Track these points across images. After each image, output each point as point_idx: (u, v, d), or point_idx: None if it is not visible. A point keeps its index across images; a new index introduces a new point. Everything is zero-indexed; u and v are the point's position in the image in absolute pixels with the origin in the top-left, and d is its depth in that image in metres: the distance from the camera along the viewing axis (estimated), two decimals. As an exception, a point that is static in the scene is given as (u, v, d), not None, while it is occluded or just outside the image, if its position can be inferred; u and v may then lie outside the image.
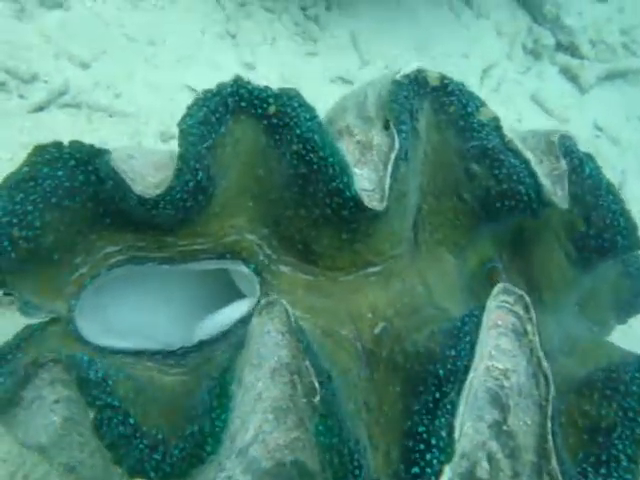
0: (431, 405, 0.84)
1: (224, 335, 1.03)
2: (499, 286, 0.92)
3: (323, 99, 2.00)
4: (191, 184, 0.99)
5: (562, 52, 2.31)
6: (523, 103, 2.25)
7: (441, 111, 1.13)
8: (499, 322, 0.91)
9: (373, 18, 2.20)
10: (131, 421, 0.84)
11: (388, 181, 0.97)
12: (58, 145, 1.04)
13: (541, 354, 0.89)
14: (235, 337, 0.98)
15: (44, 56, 1.67)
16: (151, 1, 1.88)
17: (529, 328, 0.90)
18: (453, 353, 0.87)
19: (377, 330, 0.99)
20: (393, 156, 0.99)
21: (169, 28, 1.87)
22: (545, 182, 1.06)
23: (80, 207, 1.04)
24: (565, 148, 1.17)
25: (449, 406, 0.83)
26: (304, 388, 0.84)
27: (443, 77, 1.15)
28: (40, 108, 1.62)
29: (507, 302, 0.92)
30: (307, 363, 0.83)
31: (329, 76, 2.04)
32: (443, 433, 0.82)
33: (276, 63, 1.99)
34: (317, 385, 0.82)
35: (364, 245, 1.03)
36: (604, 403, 0.98)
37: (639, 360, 1.06)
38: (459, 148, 1.11)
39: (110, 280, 1.08)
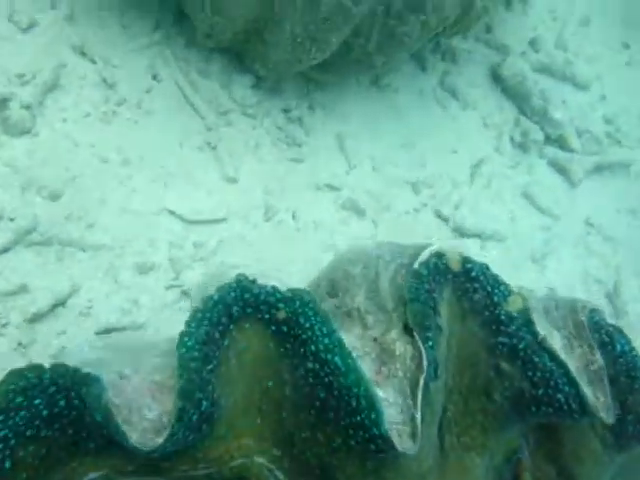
0: None
1: None
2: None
3: (310, 209, 1.91)
4: (195, 418, 0.86)
5: (550, 144, 2.26)
6: (514, 199, 2.18)
7: (465, 298, 1.03)
8: None
9: (358, 114, 2.11)
10: None
11: (419, 415, 0.86)
12: (37, 369, 0.90)
13: None
14: None
15: (10, 189, 1.52)
16: (125, 115, 1.75)
17: None
18: None
19: None
20: (422, 381, 0.88)
21: (144, 144, 1.74)
22: (587, 391, 0.96)
23: (59, 435, 0.90)
24: (595, 326, 1.09)
25: None
26: None
27: (464, 260, 1.05)
28: (5, 249, 1.47)
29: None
30: None
31: (315, 183, 1.94)
32: None
33: (259, 173, 1.87)
34: None
35: (393, 472, 0.91)
36: None
37: None
38: (487, 341, 1.01)
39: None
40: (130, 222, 1.64)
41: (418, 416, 0.86)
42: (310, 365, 0.90)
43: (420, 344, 0.92)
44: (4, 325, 1.42)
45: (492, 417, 1.01)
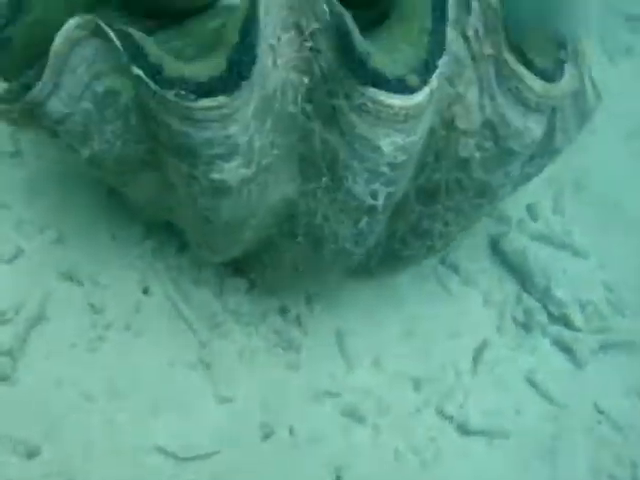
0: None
1: None
2: None
3: (310, 423, 1.80)
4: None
5: (553, 323, 2.19)
6: (518, 386, 2.09)
7: None
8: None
9: (356, 305, 2.03)
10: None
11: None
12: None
13: None
14: None
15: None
16: (113, 339, 1.65)
17: None
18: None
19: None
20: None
21: (133, 370, 1.65)
22: None
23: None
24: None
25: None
26: None
27: None
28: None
29: None
30: None
31: (314, 391, 1.84)
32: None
33: (256, 386, 1.78)
34: None
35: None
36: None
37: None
38: None
39: None
40: (115, 466, 1.53)
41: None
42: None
43: None
44: None
45: None
